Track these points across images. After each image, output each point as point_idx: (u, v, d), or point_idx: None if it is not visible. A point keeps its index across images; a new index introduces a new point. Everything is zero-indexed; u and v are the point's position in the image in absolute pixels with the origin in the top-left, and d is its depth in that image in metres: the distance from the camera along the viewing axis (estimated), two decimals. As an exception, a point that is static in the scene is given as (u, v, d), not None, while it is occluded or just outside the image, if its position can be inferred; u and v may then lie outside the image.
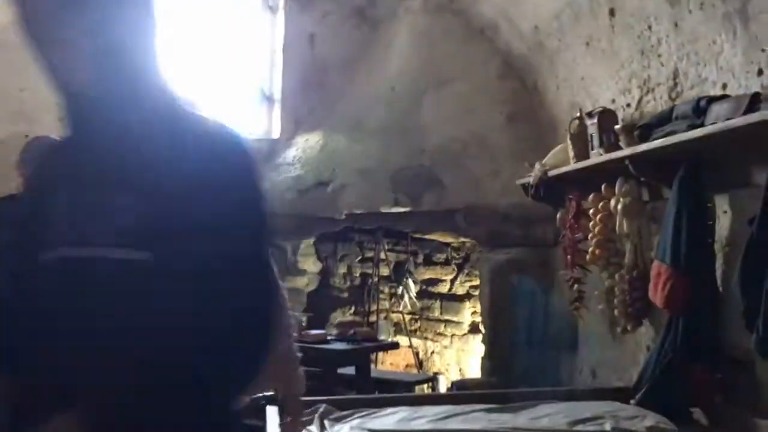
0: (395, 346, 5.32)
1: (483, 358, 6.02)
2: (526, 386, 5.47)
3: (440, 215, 6.38)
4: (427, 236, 6.76)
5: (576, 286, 4.95)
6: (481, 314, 6.17)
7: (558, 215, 5.16)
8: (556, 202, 5.55)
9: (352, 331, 4.96)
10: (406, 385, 5.42)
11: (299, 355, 2.43)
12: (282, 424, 2.51)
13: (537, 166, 5.16)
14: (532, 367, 5.66)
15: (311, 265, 8.04)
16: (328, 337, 5.03)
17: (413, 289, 6.92)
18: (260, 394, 3.15)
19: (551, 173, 5.03)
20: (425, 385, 6.09)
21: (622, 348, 4.69)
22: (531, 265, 5.86)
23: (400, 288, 7.00)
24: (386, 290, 7.55)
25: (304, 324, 5.51)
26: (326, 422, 3.42)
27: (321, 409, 3.51)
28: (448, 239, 6.81)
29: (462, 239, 6.56)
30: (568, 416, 3.52)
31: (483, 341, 6.05)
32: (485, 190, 6.11)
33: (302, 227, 7.38)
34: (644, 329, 4.31)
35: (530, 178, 5.30)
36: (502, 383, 5.54)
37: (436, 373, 6.69)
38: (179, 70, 4.55)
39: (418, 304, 7.06)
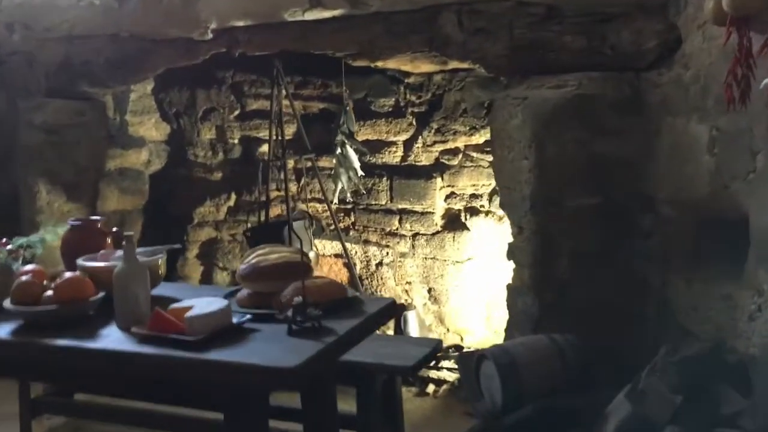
0: (393, 308, 2.31)
1: (513, 288, 3.19)
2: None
3: (407, 20, 3.28)
4: (378, 64, 3.62)
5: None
6: (504, 205, 3.27)
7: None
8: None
9: (297, 299, 1.94)
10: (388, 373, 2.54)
11: None
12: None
13: None
14: (618, 304, 2.95)
15: (152, 129, 4.74)
16: (238, 318, 1.97)
17: (355, 161, 3.86)
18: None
19: None
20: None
21: None
22: (612, 106, 2.97)
23: (333, 162, 3.90)
24: (290, 165, 4.41)
25: (161, 267, 2.37)
26: None
27: None
28: (425, 67, 3.71)
29: (455, 64, 3.51)
30: None
31: (512, 255, 3.19)
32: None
33: (131, 61, 4.02)
34: None
35: None
36: (580, 347, 2.80)
37: (400, 306, 3.81)
38: None
39: (360, 186, 4.04)
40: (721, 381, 2.43)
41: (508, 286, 3.25)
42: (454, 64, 3.46)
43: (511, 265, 3.26)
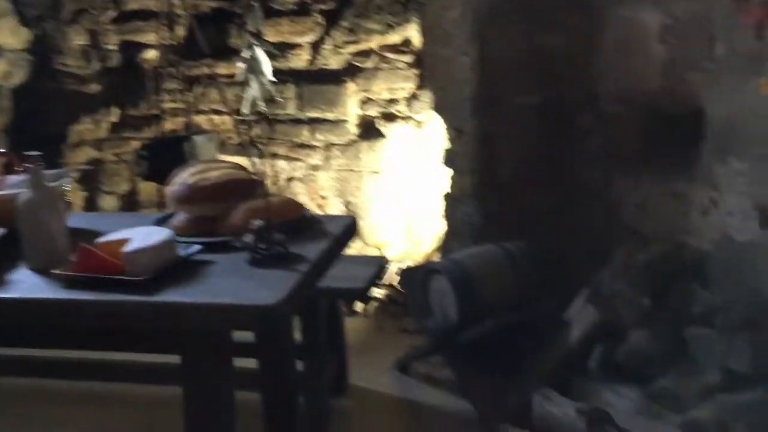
0: (355, 226, 2.01)
1: (452, 197, 2.99)
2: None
3: None
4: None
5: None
6: (438, 107, 3.01)
7: None
8: None
9: (257, 222, 1.63)
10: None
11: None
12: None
13: None
14: (562, 208, 2.83)
15: (8, 35, 4.06)
16: (184, 250, 1.63)
17: (266, 66, 3.44)
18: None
19: None
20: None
21: None
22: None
23: (242, 66, 3.45)
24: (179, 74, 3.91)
25: (68, 194, 1.96)
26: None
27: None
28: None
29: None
30: None
31: (450, 161, 2.97)
32: None
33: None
34: None
35: None
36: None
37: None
38: None
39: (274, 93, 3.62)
40: (686, 280, 2.37)
41: (446, 195, 3.06)
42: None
43: (447, 172, 3.06)
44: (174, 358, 1.56)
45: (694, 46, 2.46)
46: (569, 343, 2.38)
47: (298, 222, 1.84)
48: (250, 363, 2.06)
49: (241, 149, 3.80)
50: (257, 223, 1.65)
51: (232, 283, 1.52)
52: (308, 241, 1.77)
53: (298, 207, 1.92)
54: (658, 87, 2.61)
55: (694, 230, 2.58)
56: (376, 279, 2.60)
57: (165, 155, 3.51)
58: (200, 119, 3.98)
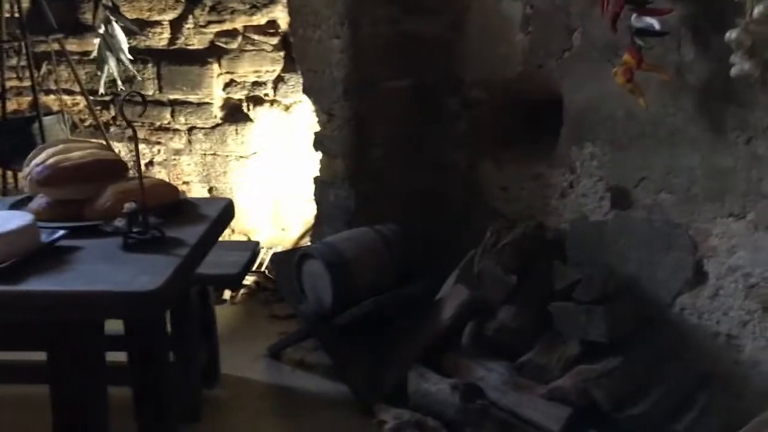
0: (233, 209, 1.93)
1: (323, 181, 2.97)
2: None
3: None
4: None
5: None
6: (309, 90, 2.96)
7: None
8: None
9: (129, 205, 1.53)
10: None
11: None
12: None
13: None
14: (430, 190, 2.90)
15: None
16: (48, 235, 1.50)
17: (124, 42, 3.25)
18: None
19: None
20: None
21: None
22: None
23: (96, 44, 3.23)
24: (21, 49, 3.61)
25: None
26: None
27: None
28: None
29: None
30: None
31: (321, 145, 2.95)
32: None
33: None
34: None
35: None
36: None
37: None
38: None
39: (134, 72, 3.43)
40: (548, 258, 2.50)
41: (317, 179, 3.03)
42: None
43: (317, 156, 3.04)
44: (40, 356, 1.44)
45: (553, 36, 2.58)
46: (442, 321, 2.44)
47: (174, 205, 1.76)
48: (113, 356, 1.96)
49: (96, 131, 3.59)
50: (129, 205, 1.56)
51: (106, 270, 1.43)
52: (185, 224, 1.70)
53: (173, 189, 1.84)
54: (519, 74, 2.72)
55: (554, 211, 2.72)
56: (250, 265, 2.54)
57: (9, 137, 3.25)
58: (49, 99, 3.71)
